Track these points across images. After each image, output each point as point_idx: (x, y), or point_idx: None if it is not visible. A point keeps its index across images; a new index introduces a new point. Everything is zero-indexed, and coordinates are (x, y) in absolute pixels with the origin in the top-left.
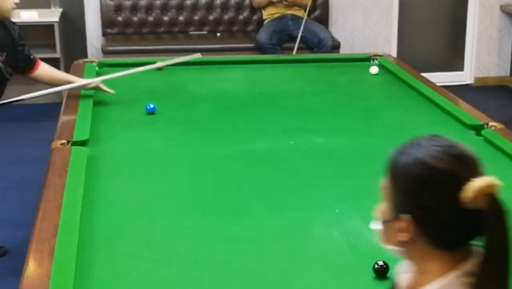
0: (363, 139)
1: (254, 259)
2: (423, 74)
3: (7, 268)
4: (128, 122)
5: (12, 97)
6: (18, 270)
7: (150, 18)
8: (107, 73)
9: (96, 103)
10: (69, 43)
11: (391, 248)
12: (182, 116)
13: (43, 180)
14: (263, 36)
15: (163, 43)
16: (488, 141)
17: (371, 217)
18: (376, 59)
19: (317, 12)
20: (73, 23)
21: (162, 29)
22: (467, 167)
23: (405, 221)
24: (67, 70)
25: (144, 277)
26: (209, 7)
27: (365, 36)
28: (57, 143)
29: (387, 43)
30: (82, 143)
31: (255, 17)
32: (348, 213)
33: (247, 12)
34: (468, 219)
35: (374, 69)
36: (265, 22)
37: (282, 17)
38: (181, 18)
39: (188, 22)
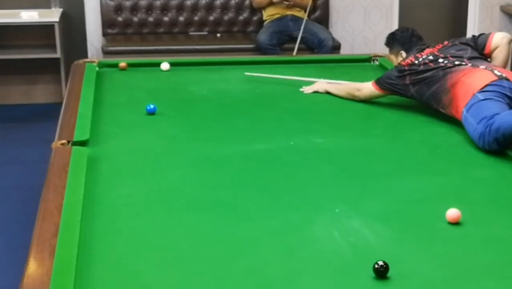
0: (363, 139)
1: (254, 259)
2: None
3: (7, 268)
4: (128, 123)
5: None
6: (18, 270)
7: (150, 19)
8: (107, 73)
9: (96, 103)
10: (69, 43)
11: None
12: (182, 116)
13: (43, 180)
14: (263, 36)
15: (163, 43)
16: None
17: (371, 217)
18: (377, 60)
19: (317, 13)
20: (73, 23)
21: (162, 30)
22: None
23: None
24: (67, 70)
25: (144, 277)
26: (209, 8)
27: (365, 36)
28: (57, 143)
29: None
30: (82, 143)
31: (255, 18)
32: (348, 213)
33: (247, 13)
34: None
35: (165, 66)
36: (265, 23)
37: (282, 18)
38: (181, 18)
39: (188, 23)
